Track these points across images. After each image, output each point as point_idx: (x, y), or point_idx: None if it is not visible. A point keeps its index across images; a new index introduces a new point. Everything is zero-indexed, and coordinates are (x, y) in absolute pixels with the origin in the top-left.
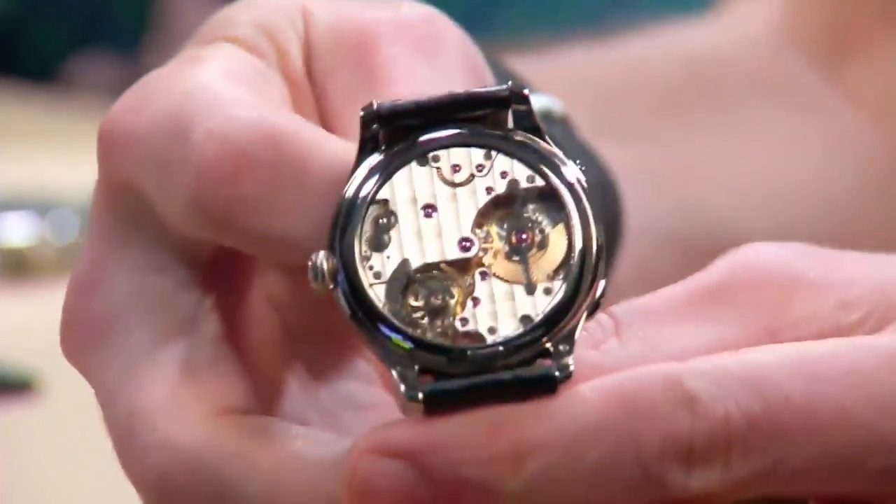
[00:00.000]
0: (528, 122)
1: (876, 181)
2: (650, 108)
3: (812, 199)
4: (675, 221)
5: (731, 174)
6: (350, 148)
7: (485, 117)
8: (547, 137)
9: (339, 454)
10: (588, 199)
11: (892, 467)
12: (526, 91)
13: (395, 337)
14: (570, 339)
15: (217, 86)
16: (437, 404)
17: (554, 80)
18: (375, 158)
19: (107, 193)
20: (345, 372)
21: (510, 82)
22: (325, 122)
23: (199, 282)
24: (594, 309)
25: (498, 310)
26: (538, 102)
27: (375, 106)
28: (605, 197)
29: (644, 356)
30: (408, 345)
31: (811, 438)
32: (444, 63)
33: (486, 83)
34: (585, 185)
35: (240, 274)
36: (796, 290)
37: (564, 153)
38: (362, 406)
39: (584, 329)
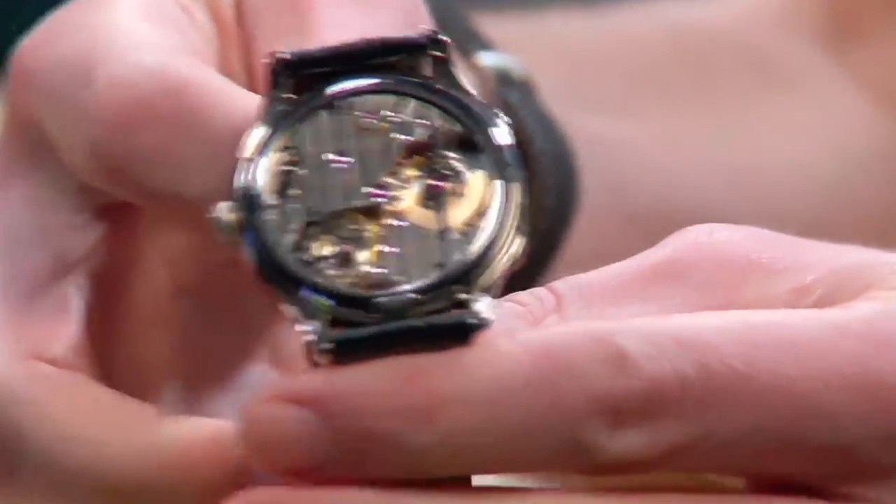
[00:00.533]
0: (446, 69)
1: (872, 166)
2: (630, 80)
3: (796, 181)
4: (647, 200)
5: (710, 153)
6: (258, 101)
7: (401, 65)
8: (467, 85)
9: (140, 420)
10: (509, 150)
11: (834, 444)
12: (444, 37)
13: (310, 293)
14: (487, 290)
15: (127, 25)
16: (348, 353)
17: (530, 42)
18: (282, 108)
19: (11, 127)
20: (241, 339)
21: (429, 28)
22: (252, 69)
23: (90, 227)
24: (512, 264)
25: (411, 256)
26: (495, 60)
27: (285, 52)
28: (558, 168)
29: None
30: (325, 301)
31: (748, 406)
32: (383, 14)
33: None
34: (510, 135)
35: (134, 226)
36: (749, 273)
37: (505, 111)
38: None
39: (522, 304)
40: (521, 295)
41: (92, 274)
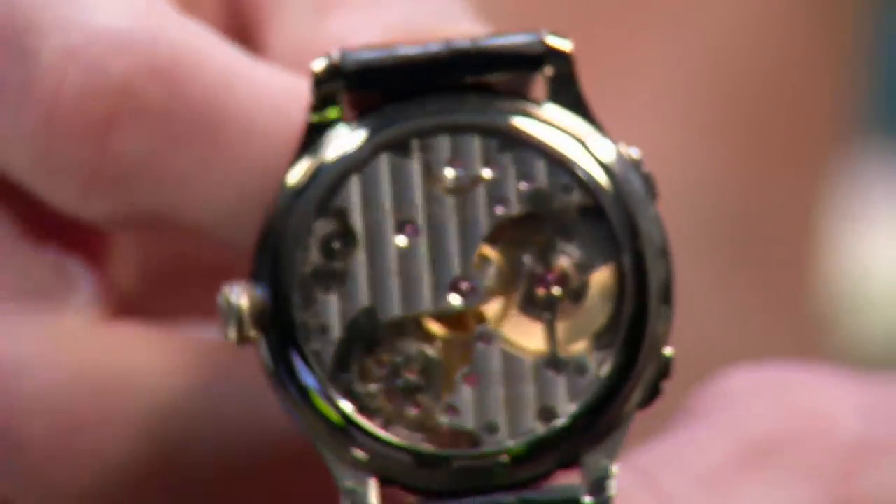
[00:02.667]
0: (569, 92)
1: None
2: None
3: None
4: None
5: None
6: (297, 89)
7: (502, 85)
8: (595, 117)
9: None
10: (656, 223)
11: None
12: (569, 46)
13: (347, 429)
14: (612, 446)
15: None
16: None
17: None
18: (332, 137)
19: None
20: None
21: (543, 31)
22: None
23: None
24: (652, 396)
25: (506, 395)
26: None
27: (336, 56)
28: None
29: None
30: (366, 440)
31: None
32: None
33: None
34: (653, 195)
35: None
36: (862, 455)
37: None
38: None
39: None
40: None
41: None
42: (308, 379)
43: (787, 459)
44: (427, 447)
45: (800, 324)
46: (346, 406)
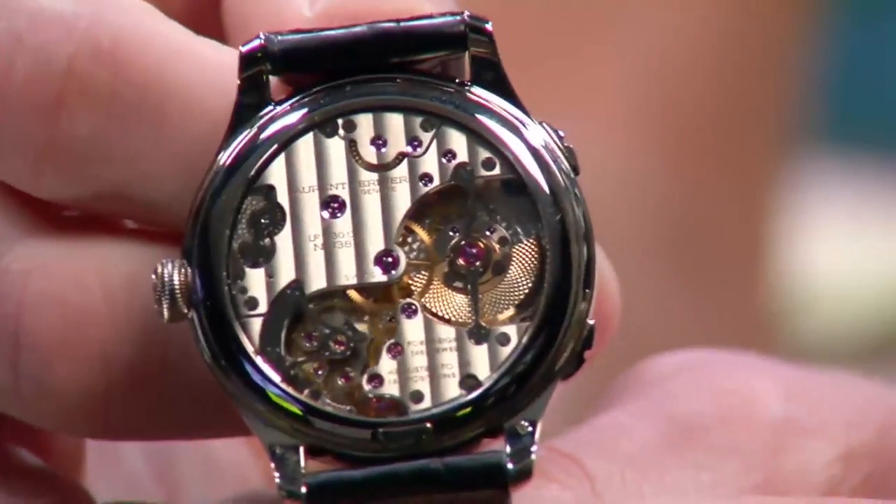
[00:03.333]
0: (491, 73)
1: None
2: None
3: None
4: None
5: None
6: (235, 63)
7: (426, 63)
8: (517, 97)
9: None
10: (577, 199)
11: None
12: (488, 25)
13: (276, 398)
14: (535, 413)
15: None
16: (331, 502)
17: None
18: (260, 117)
19: None
20: None
21: (465, 12)
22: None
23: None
24: (577, 366)
25: (429, 365)
26: None
27: (262, 38)
28: None
29: None
30: (295, 409)
31: None
32: None
33: None
34: (574, 171)
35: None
36: (783, 436)
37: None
38: None
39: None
40: (553, 471)
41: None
42: (237, 352)
43: (710, 440)
44: (354, 416)
45: (744, 323)
46: (275, 377)
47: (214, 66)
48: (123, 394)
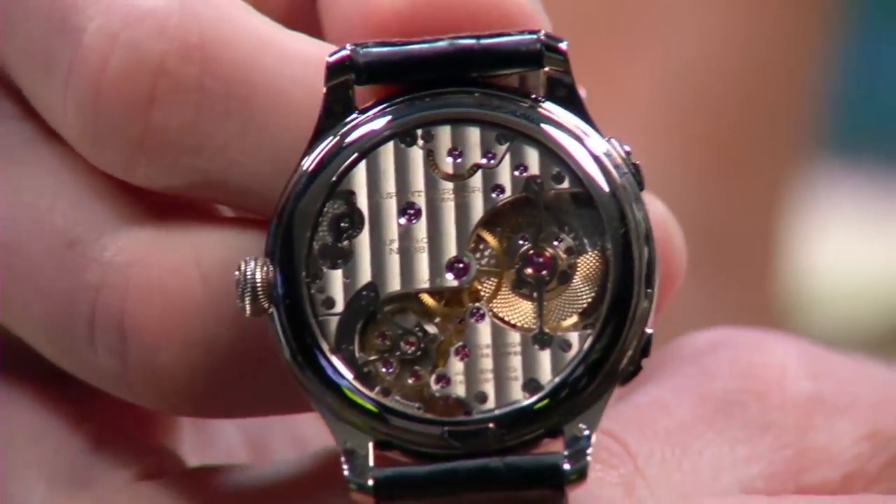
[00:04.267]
0: (564, 90)
1: None
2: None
3: None
4: None
5: None
6: (320, 56)
7: (502, 79)
8: (588, 113)
9: None
10: (641, 212)
11: None
12: (563, 44)
13: (349, 394)
14: (593, 418)
15: None
16: (396, 496)
17: None
18: (344, 125)
19: None
20: None
21: (541, 30)
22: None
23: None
24: (633, 373)
25: (495, 367)
26: None
27: (349, 49)
28: None
29: None
30: (368, 405)
31: None
32: None
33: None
34: (639, 185)
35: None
36: (813, 413)
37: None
38: None
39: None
40: (597, 451)
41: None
42: (314, 349)
43: (746, 415)
44: (423, 414)
45: (758, 316)
46: (348, 374)
47: (300, 59)
48: (224, 375)
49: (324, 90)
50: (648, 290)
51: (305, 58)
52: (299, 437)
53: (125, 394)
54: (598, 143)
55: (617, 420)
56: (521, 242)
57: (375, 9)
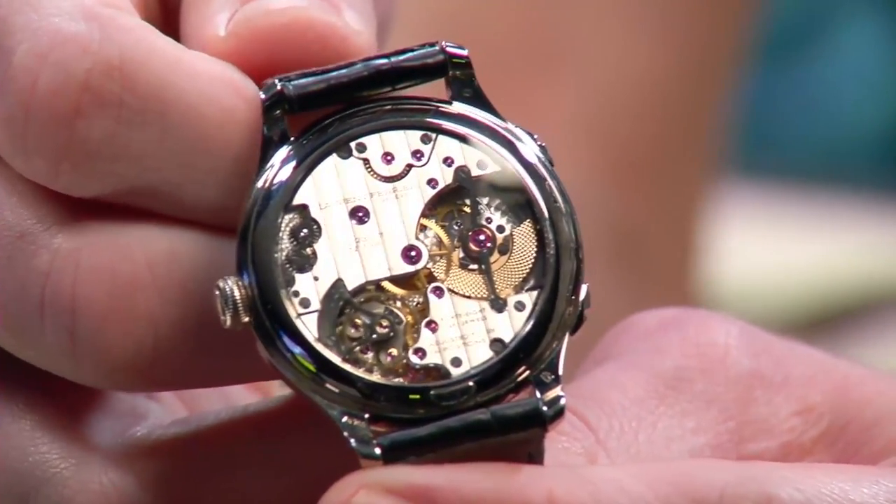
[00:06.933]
0: (469, 90)
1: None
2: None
3: None
4: None
5: None
6: (226, 76)
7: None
8: (493, 106)
9: None
10: (556, 183)
11: None
12: (465, 51)
13: (340, 382)
14: (554, 364)
15: None
16: (401, 457)
17: None
18: (285, 148)
19: None
20: None
21: (441, 41)
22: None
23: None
24: (578, 324)
25: (462, 334)
26: None
27: (279, 85)
28: None
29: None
30: (358, 384)
31: None
32: None
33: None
34: (549, 163)
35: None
36: (753, 387)
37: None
38: None
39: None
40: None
41: None
42: (298, 346)
43: (693, 390)
44: (408, 384)
45: None
46: (335, 358)
47: (206, 76)
48: (168, 351)
49: (262, 120)
50: (576, 248)
51: (211, 75)
52: (225, 395)
53: (72, 371)
54: (508, 130)
55: (577, 396)
56: (460, 225)
57: (208, 43)
